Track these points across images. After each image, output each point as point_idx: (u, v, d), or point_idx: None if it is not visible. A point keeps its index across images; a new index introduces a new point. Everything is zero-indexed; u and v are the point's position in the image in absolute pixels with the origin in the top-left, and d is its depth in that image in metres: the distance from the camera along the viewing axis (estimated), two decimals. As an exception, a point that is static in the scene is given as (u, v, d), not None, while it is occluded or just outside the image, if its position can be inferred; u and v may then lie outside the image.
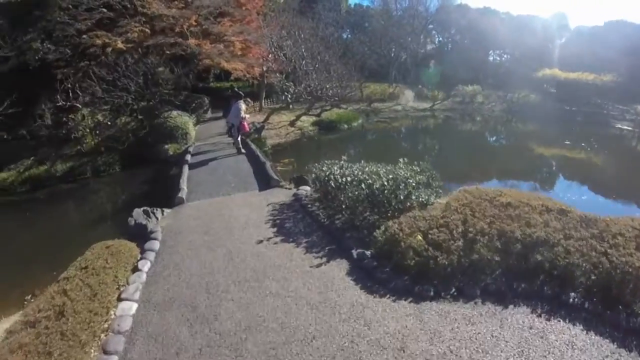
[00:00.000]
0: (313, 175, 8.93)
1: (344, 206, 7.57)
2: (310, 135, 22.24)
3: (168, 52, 22.05)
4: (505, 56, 46.98)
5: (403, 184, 7.23)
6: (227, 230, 7.60)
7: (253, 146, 14.48)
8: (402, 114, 31.51)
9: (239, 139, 13.68)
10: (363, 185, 7.36)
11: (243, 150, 13.67)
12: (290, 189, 10.01)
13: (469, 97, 35.16)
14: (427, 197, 7.07)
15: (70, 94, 18.10)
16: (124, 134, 18.34)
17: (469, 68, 39.14)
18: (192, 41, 20.35)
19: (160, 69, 21.52)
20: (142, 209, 8.64)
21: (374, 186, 7.23)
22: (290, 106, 23.88)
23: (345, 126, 24.38)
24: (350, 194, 7.35)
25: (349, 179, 7.83)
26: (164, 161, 16.48)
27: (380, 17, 45.55)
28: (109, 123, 18.77)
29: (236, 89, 18.46)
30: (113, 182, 16.08)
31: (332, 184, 7.97)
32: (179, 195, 9.62)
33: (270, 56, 23.80)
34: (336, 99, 23.39)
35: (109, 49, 18.95)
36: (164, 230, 7.78)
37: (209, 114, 24.90)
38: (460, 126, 29.36)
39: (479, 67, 41.22)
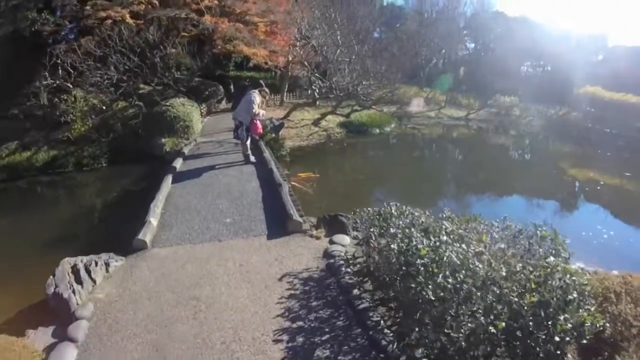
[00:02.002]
0: (357, 224, 5.58)
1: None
2: (337, 139, 17.92)
3: (185, 33, 18.00)
4: (541, 68, 42.28)
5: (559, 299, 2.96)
6: (199, 346, 3.55)
7: (267, 153, 10.19)
8: (434, 121, 27.02)
9: (249, 142, 9.48)
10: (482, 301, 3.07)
11: (252, 159, 9.53)
12: (318, 237, 5.76)
13: (505, 108, 30.73)
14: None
15: (60, 72, 14.15)
16: (117, 121, 14.36)
17: (504, 77, 34.70)
18: (207, 18, 16.20)
19: (173, 50, 17.43)
20: (74, 261, 4.88)
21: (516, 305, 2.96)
22: (317, 102, 19.52)
23: (377, 130, 20.04)
24: (458, 315, 3.10)
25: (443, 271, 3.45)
26: (159, 158, 12.40)
27: (413, 19, 41.17)
28: (104, 108, 14.84)
29: (246, 83, 14.43)
30: (92, 181, 12.43)
31: (400, 268, 3.85)
32: (140, 236, 5.54)
33: (297, 44, 19.52)
34: (372, 99, 18.98)
35: (109, 22, 14.96)
36: (95, 316, 4.10)
37: (223, 104, 20.69)
38: (493, 140, 24.82)
39: (514, 77, 36.78)
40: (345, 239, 5.76)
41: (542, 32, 39.29)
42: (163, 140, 13.50)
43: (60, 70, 14.13)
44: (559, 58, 36.67)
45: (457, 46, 44.07)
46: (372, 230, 4.83)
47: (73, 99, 14.27)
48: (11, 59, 15.42)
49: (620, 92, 28.92)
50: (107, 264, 5.02)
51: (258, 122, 9.27)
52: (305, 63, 16.94)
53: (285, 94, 22.94)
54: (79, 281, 4.55)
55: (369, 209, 5.43)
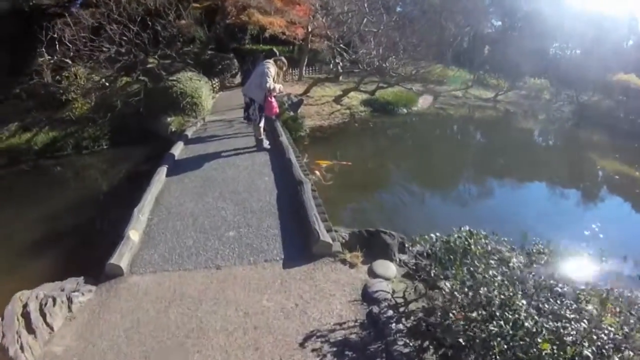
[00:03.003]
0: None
1: None
2: (362, 118, 16.07)
3: (197, 4, 16.14)
4: (570, 51, 39.52)
5: None
6: None
7: (284, 137, 8.31)
8: (461, 102, 24.88)
9: (262, 124, 7.69)
10: None
11: (267, 144, 7.77)
12: (353, 264, 4.10)
13: (534, 91, 28.98)
14: None
15: (58, 47, 12.46)
16: (119, 99, 12.75)
17: (532, 59, 32.15)
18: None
19: (183, 21, 15.61)
20: (27, 298, 3.46)
21: None
22: (340, 77, 17.57)
23: (404, 110, 18.12)
24: None
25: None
26: (165, 139, 10.72)
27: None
28: (107, 84, 13.23)
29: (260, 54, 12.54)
30: (89, 166, 10.97)
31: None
32: (113, 260, 3.94)
33: (318, 14, 17.51)
34: (401, 74, 16.99)
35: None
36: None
37: (238, 79, 18.78)
38: (523, 124, 22.58)
39: (542, 59, 34.25)
40: (390, 268, 4.13)
41: (572, 12, 36.89)
42: (169, 119, 11.85)
43: (57, 46, 12.45)
44: (589, 41, 34.39)
45: (483, 23, 41.34)
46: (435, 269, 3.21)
47: (74, 76, 12.74)
48: (12, 35, 13.83)
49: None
50: (70, 300, 3.49)
51: (273, 99, 7.45)
52: (329, 32, 14.85)
53: (304, 68, 21.01)
54: (30, 329, 3.07)
55: (431, 235, 3.73)
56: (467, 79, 29.23)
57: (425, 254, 4.11)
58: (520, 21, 39.84)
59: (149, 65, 13.66)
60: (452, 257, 3.47)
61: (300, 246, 4.27)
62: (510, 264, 3.18)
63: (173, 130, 11.43)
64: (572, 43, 39.00)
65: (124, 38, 12.09)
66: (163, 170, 6.29)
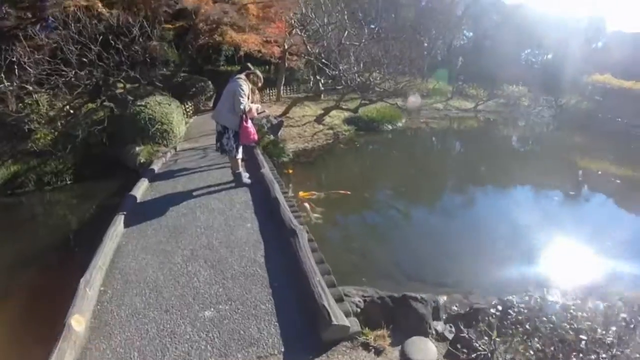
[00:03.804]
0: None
1: None
2: (347, 138, 14.89)
3: (169, 25, 14.95)
4: (543, 57, 40.05)
5: None
6: None
7: (267, 168, 6.97)
8: (443, 114, 24.11)
9: (240, 155, 6.23)
10: None
11: (246, 179, 6.39)
12: (380, 348, 2.95)
13: (513, 99, 28.22)
14: None
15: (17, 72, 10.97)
16: (84, 128, 11.35)
17: (504, 66, 32.01)
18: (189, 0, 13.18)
19: (154, 43, 14.32)
20: None
21: None
22: (322, 96, 16.45)
23: (389, 126, 17.01)
24: None
25: None
26: (135, 172, 9.36)
27: (409, 7, 38.09)
28: (71, 112, 11.85)
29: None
30: (52, 203, 9.43)
31: None
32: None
33: (295, 30, 16.51)
34: (387, 89, 16.02)
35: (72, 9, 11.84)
36: None
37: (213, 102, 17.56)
38: (505, 132, 22.03)
39: (515, 66, 34.41)
40: (429, 349, 3.03)
41: (541, 18, 37.01)
42: (137, 149, 10.49)
43: (16, 70, 11.00)
44: (558, 45, 34.94)
45: (455, 35, 41.27)
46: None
47: (34, 102, 11.28)
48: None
49: (627, 80, 27.09)
50: None
51: (250, 124, 5.94)
52: (309, 47, 13.69)
53: (282, 87, 19.91)
54: None
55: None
56: (447, 90, 28.64)
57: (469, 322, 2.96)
58: (490, 30, 39.88)
59: (117, 90, 12.31)
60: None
61: (303, 328, 3.07)
62: None
63: (142, 161, 10.07)
64: (542, 49, 39.38)
65: (84, 60, 10.72)
66: (120, 219, 4.97)
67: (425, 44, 34.45)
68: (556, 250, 6.25)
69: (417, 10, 37.33)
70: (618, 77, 27.87)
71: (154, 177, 7.03)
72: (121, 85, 12.33)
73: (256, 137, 6.13)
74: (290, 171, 9.47)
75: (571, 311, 2.78)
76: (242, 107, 5.70)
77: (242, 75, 6.03)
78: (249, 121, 5.92)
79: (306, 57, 15.53)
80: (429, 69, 33.40)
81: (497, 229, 7.37)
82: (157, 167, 7.85)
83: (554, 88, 28.87)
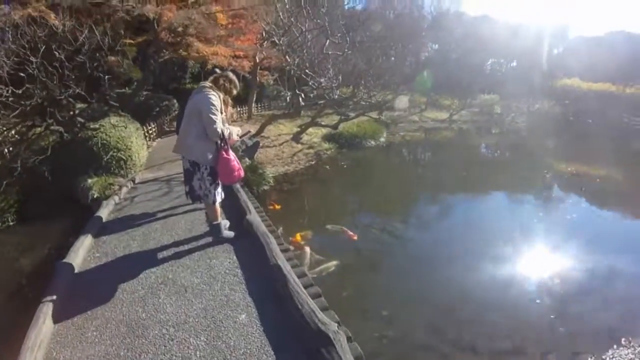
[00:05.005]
0: None
1: None
2: (330, 157, 13.20)
3: (131, 40, 12.99)
4: (507, 65, 40.29)
5: None
6: None
7: (253, 212, 4.97)
8: (419, 126, 22.86)
9: (219, 199, 4.24)
10: None
11: (226, 231, 4.43)
12: None
13: (486, 107, 28.17)
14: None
15: None
16: (29, 157, 9.15)
17: (475, 76, 31.56)
18: (150, 7, 11.32)
19: (113, 58, 12.26)
20: None
21: None
22: (303, 112, 14.72)
23: (372, 142, 15.47)
24: None
25: None
26: (88, 209, 7.33)
27: (376, 21, 37.38)
28: (17, 138, 9.67)
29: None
30: None
31: None
32: None
33: (266, 43, 14.88)
34: (372, 103, 14.56)
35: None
36: None
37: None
38: (486, 140, 20.95)
39: (484, 75, 34.21)
40: None
41: (504, 28, 37.14)
42: (89, 181, 8.46)
43: None
44: (522, 53, 34.86)
45: (421, 48, 40.83)
46: None
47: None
48: None
49: (596, 82, 27.39)
50: None
51: (232, 154, 4.03)
52: (287, 58, 11.89)
53: (252, 105, 18.16)
54: None
55: None
56: (421, 102, 27.65)
57: None
58: (455, 42, 39.73)
59: (76, 111, 10.19)
60: None
61: None
62: None
63: (95, 196, 8.07)
64: (506, 58, 39.37)
65: (21, 75, 8.60)
66: (47, 310, 3.08)
67: (393, 58, 33.81)
68: None
69: (385, 24, 36.72)
70: (587, 80, 28.37)
71: (100, 230, 5.01)
72: (71, 105, 10.24)
73: (242, 172, 4.15)
74: (277, 207, 7.66)
75: None
76: (216, 129, 3.79)
77: (208, 83, 4.05)
78: (230, 150, 4.02)
79: (286, 67, 13.75)
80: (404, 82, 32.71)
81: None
82: (106, 211, 5.85)
83: (524, 94, 28.67)
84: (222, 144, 3.93)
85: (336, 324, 2.67)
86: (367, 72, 13.47)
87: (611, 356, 4.01)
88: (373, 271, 5.77)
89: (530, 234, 7.21)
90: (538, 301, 4.98)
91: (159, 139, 13.61)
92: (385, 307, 4.63)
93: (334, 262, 5.55)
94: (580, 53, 33.29)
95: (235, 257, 3.96)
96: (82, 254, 4.27)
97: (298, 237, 6.01)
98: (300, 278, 3.38)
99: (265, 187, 8.95)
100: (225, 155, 3.93)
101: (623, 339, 4.20)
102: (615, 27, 54.63)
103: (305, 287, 3.25)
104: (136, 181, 8.13)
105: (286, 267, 3.42)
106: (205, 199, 4.16)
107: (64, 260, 3.99)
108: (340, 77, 13.40)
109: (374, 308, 4.66)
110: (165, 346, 2.77)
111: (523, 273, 5.73)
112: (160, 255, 4.13)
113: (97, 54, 10.05)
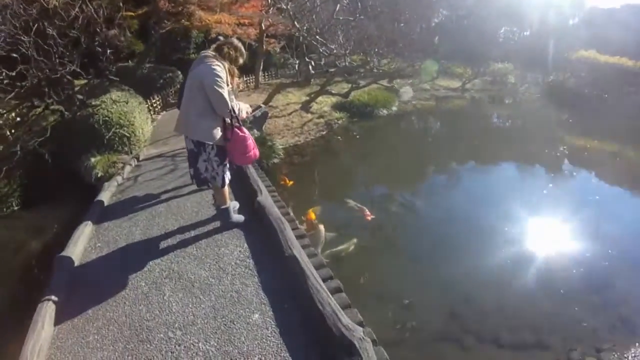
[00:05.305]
0: None
1: None
2: (341, 127, 12.75)
3: (131, 12, 12.42)
4: (520, 34, 38.73)
5: None
6: None
7: (264, 192, 4.46)
8: (431, 94, 22.16)
9: (227, 182, 3.77)
10: None
11: (235, 216, 3.97)
12: None
13: (500, 76, 27.07)
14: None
15: None
16: (31, 137, 8.83)
17: (488, 44, 30.36)
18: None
19: (113, 31, 11.69)
20: None
21: None
22: (312, 80, 14.16)
23: (384, 111, 14.95)
24: None
25: None
26: (93, 188, 7.00)
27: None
28: (18, 119, 9.33)
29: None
30: None
31: None
32: None
33: (271, 10, 14.18)
34: (386, 72, 13.98)
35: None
36: None
37: (184, 95, 15.07)
38: (499, 110, 20.63)
39: (497, 43, 33.08)
40: None
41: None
42: (92, 160, 8.13)
43: None
44: (536, 22, 33.66)
45: (432, 14, 39.41)
46: None
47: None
48: None
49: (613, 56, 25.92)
50: None
51: (246, 131, 3.57)
52: (296, 24, 11.12)
53: (260, 74, 17.57)
54: None
55: None
56: (432, 70, 26.73)
57: None
58: (467, 9, 38.25)
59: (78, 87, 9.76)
60: None
61: None
62: None
63: (99, 175, 7.75)
64: (520, 26, 37.73)
65: (14, 56, 8.16)
66: (46, 312, 2.79)
67: (402, 25, 32.65)
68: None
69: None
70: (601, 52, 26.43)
71: (101, 215, 4.65)
72: (70, 81, 9.80)
73: (257, 152, 3.68)
74: (289, 183, 7.25)
75: None
76: (226, 104, 3.29)
77: (211, 52, 3.48)
78: (243, 128, 3.56)
79: (295, 34, 13.06)
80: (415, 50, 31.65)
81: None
82: (108, 194, 5.51)
83: (539, 65, 27.58)
84: (234, 121, 3.47)
85: (361, 330, 2.32)
86: (379, 38, 12.75)
87: (634, 354, 3.77)
88: (389, 252, 5.46)
89: (549, 211, 6.83)
90: (562, 291, 4.67)
91: (163, 112, 13.21)
92: (405, 294, 4.36)
93: (354, 241, 5.25)
94: (595, 25, 31.50)
95: (246, 245, 3.59)
96: (82, 244, 3.93)
97: (312, 214, 5.62)
98: (318, 270, 3.02)
99: (275, 160, 8.63)
100: (241, 134, 3.48)
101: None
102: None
103: (324, 281, 2.90)
104: (140, 158, 7.80)
105: (303, 258, 3.03)
106: (213, 182, 3.72)
107: (63, 254, 3.65)
108: (352, 44, 12.77)
109: (392, 294, 4.39)
110: (172, 352, 2.46)
111: (546, 257, 5.42)
112: (164, 244, 3.78)
113: (92, 28, 9.55)
